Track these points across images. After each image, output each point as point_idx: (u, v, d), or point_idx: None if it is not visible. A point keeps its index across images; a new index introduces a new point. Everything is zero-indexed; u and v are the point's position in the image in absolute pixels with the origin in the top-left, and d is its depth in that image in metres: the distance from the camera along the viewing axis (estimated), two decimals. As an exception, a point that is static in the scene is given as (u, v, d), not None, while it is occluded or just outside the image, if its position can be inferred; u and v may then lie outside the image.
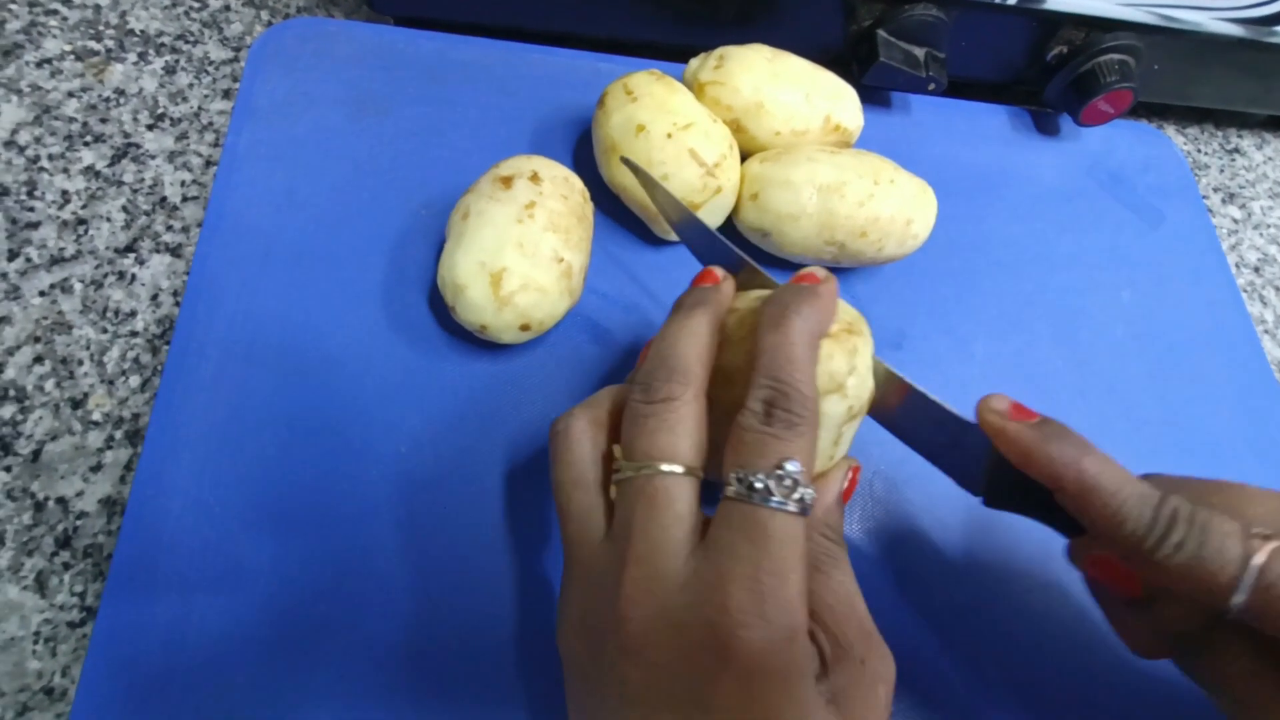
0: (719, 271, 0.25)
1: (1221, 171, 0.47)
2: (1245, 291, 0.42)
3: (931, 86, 0.37)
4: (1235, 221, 0.45)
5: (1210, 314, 0.38)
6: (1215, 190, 0.46)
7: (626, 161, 0.27)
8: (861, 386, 0.23)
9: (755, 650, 0.17)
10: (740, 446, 0.19)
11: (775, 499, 0.18)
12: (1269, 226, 0.45)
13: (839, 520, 0.23)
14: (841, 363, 0.22)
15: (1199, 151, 0.47)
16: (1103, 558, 0.21)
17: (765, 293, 0.24)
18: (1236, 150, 0.48)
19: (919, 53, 0.36)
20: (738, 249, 0.26)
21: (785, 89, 0.32)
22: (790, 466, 0.19)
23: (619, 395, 0.23)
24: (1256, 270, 0.43)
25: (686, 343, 0.21)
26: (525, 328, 0.28)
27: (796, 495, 0.18)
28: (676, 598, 0.18)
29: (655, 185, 0.28)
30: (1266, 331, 0.41)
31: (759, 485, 0.18)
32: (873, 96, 0.40)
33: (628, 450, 0.20)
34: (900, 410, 0.24)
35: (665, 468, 0.19)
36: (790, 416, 0.19)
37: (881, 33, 0.36)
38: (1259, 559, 0.18)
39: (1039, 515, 0.22)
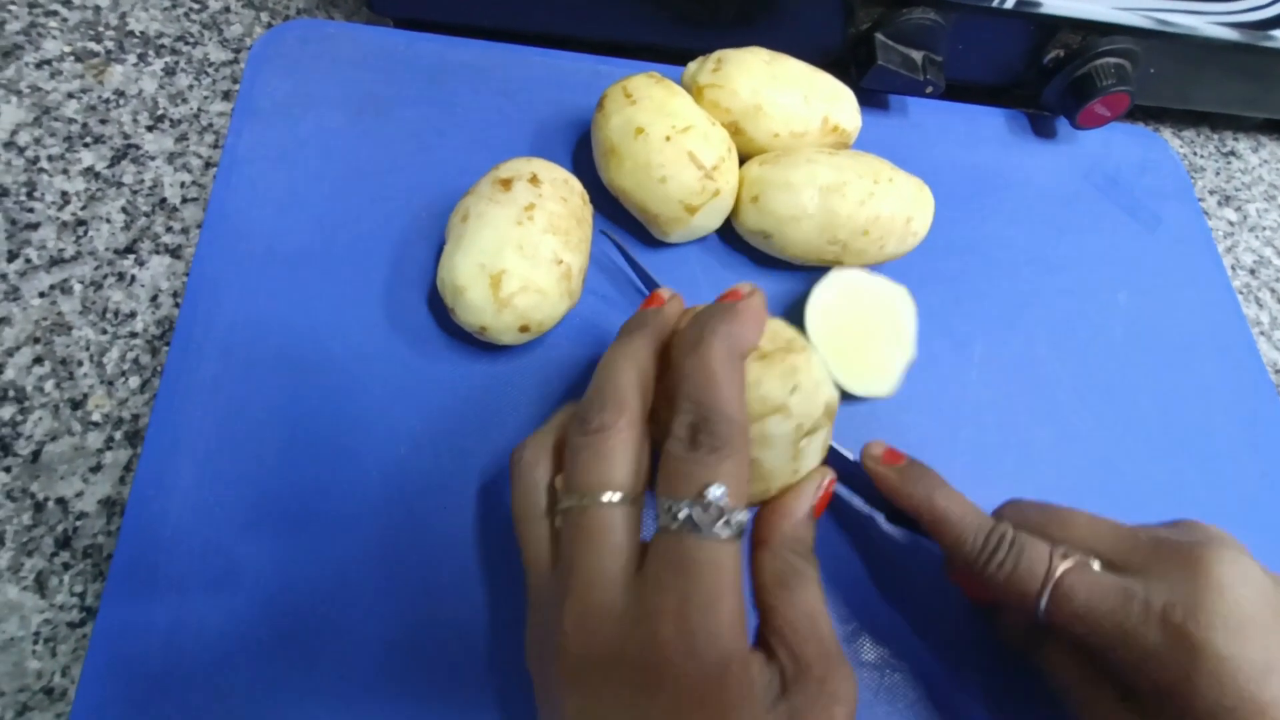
0: (665, 293, 0.25)
1: (1217, 174, 0.47)
2: (1241, 293, 0.42)
3: (929, 89, 0.37)
4: (1231, 224, 0.45)
5: (1206, 316, 0.38)
6: (1211, 193, 0.46)
7: (607, 235, 0.27)
8: (810, 402, 0.22)
9: (687, 685, 0.17)
10: (666, 474, 0.20)
11: (702, 528, 0.18)
12: (1264, 229, 0.45)
13: (808, 535, 0.23)
14: (775, 386, 0.22)
15: (1195, 154, 0.47)
16: (962, 573, 0.26)
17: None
18: (1232, 153, 0.48)
19: (917, 56, 0.37)
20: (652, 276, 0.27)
21: (784, 91, 0.32)
22: (714, 493, 0.18)
23: (570, 418, 0.23)
24: (1252, 272, 0.44)
25: (621, 370, 0.21)
26: (525, 329, 0.28)
27: (723, 520, 0.18)
28: (612, 630, 0.18)
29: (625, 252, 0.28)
30: (1262, 333, 0.41)
31: (683, 515, 0.18)
32: (870, 99, 0.40)
33: (567, 481, 0.21)
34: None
35: (604, 498, 0.20)
36: (713, 440, 0.19)
37: (880, 36, 0.36)
38: (1056, 574, 0.22)
39: (924, 533, 0.26)
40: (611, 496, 0.20)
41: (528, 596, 0.22)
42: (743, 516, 0.19)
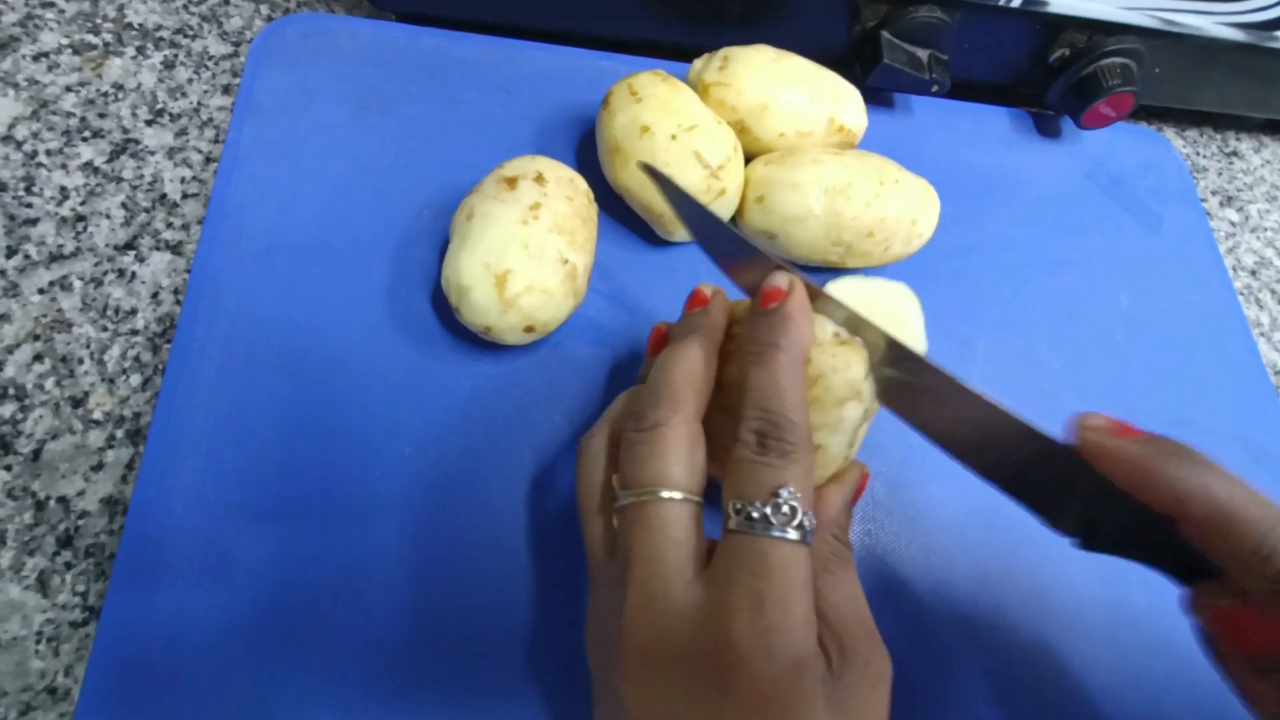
0: (707, 291, 0.25)
1: (1220, 175, 0.47)
2: (1242, 294, 0.42)
3: (935, 88, 0.37)
4: (1233, 225, 0.45)
5: (1208, 317, 0.39)
6: (1213, 193, 0.46)
7: (645, 166, 0.26)
8: (874, 385, 0.23)
9: (761, 683, 0.17)
10: (736, 477, 0.20)
11: (774, 528, 0.18)
12: (1266, 230, 0.45)
13: (847, 522, 0.23)
14: (859, 369, 0.22)
15: (1198, 155, 0.47)
16: (1234, 611, 0.18)
17: None
18: (1235, 153, 0.48)
19: (922, 54, 0.36)
20: (757, 246, 0.24)
21: (790, 90, 0.32)
22: (786, 494, 0.19)
23: (624, 411, 0.23)
24: (1253, 273, 0.44)
25: (676, 368, 0.22)
26: (530, 329, 0.28)
27: (796, 522, 0.19)
28: (678, 626, 0.18)
29: (671, 185, 0.25)
30: (1262, 334, 0.41)
31: (756, 515, 0.19)
32: (875, 97, 0.40)
33: (623, 478, 0.21)
34: (971, 430, 0.21)
35: (665, 494, 0.20)
36: (783, 445, 0.19)
37: (885, 34, 0.36)
38: None
39: (1149, 558, 0.19)
40: (672, 493, 0.20)
41: (589, 586, 0.22)
42: (813, 520, 0.19)
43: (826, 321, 0.23)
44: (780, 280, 0.22)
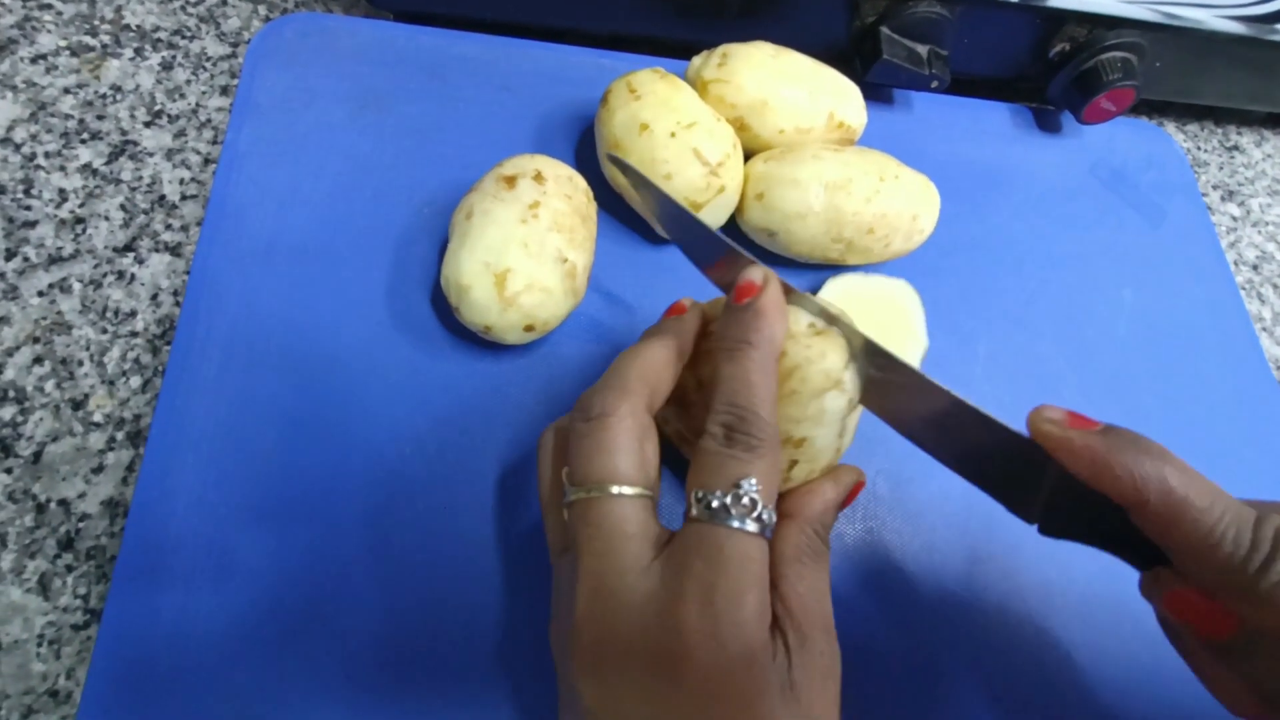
0: (687, 302, 0.25)
1: (1221, 169, 0.47)
2: (1244, 289, 0.42)
3: (934, 84, 0.37)
4: (1234, 219, 0.45)
5: (1210, 311, 0.38)
6: (1215, 188, 0.46)
7: (614, 159, 0.26)
8: (858, 376, 0.23)
9: (711, 673, 0.17)
10: (700, 467, 0.19)
11: (733, 519, 0.18)
12: (1267, 224, 0.45)
13: (831, 521, 0.23)
14: (836, 359, 0.22)
15: (1199, 149, 0.47)
16: (1186, 594, 0.18)
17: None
18: (1236, 147, 0.48)
19: (922, 50, 0.36)
20: (731, 242, 0.24)
21: (789, 86, 0.32)
22: (747, 485, 0.18)
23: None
24: (1255, 268, 0.44)
25: (630, 361, 0.21)
26: (529, 328, 0.27)
27: (755, 514, 0.18)
28: (629, 618, 0.18)
29: (645, 183, 0.25)
30: (1264, 329, 0.41)
31: (716, 504, 0.18)
32: (875, 93, 0.39)
33: (570, 473, 0.20)
34: (938, 424, 0.22)
35: (614, 490, 0.19)
36: (749, 440, 0.19)
37: (885, 29, 0.36)
38: None
39: (1106, 544, 0.20)
40: (620, 489, 0.19)
41: (553, 575, 0.22)
42: (772, 515, 0.19)
43: (801, 313, 0.23)
44: (754, 275, 0.22)
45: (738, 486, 0.18)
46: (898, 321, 0.32)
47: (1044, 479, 0.20)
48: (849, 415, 0.23)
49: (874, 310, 0.32)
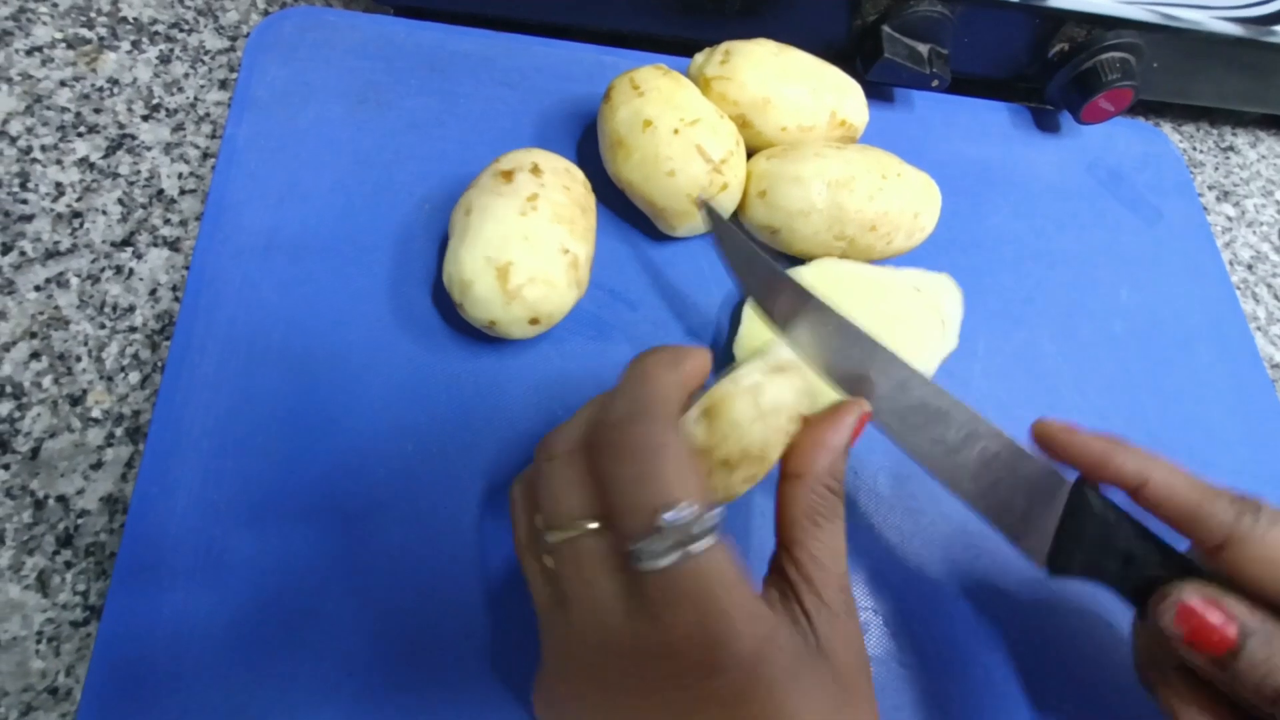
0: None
1: (1216, 169, 0.47)
2: (1239, 288, 0.43)
3: (935, 83, 0.37)
4: (1229, 219, 0.45)
5: (1206, 311, 0.39)
6: (1210, 188, 0.46)
7: (703, 202, 0.27)
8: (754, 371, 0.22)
9: (731, 688, 0.17)
10: (615, 512, 0.18)
11: (673, 555, 0.17)
12: (1262, 224, 0.46)
13: (842, 468, 0.22)
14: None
15: (1194, 149, 0.48)
16: (1190, 607, 0.20)
17: (753, 380, 0.22)
18: (1231, 148, 0.48)
19: (923, 49, 0.36)
20: (810, 291, 0.24)
21: (792, 84, 0.32)
22: (670, 518, 0.17)
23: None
24: (1250, 267, 0.44)
25: (611, 402, 0.20)
26: (534, 321, 0.27)
27: (690, 535, 0.17)
28: (630, 665, 0.18)
29: (726, 226, 0.26)
30: (1259, 328, 0.42)
31: (653, 550, 0.17)
32: (875, 92, 0.40)
33: (543, 517, 0.20)
34: (956, 451, 0.22)
35: (589, 525, 0.19)
36: (623, 453, 0.18)
37: (886, 28, 0.36)
38: None
39: (1109, 579, 0.21)
40: (589, 523, 0.19)
41: (540, 634, 0.21)
42: (713, 515, 0.18)
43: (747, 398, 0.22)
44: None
45: (657, 526, 0.17)
46: (927, 317, 0.31)
47: (1053, 512, 0.21)
48: (767, 397, 0.22)
49: (904, 303, 0.31)
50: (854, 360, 0.24)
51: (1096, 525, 0.21)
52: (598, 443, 0.19)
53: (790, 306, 0.24)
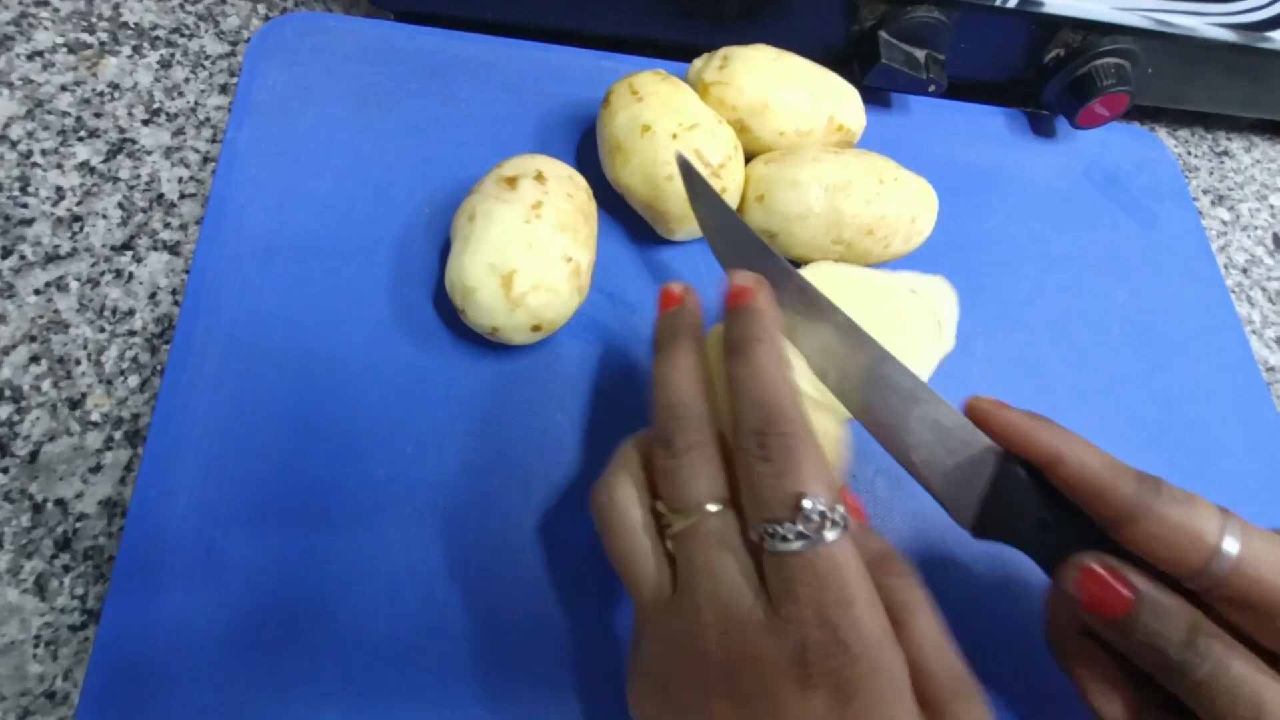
0: (676, 288, 0.25)
1: (1211, 174, 0.47)
2: (1234, 292, 0.43)
3: (932, 88, 0.37)
4: (1224, 223, 0.46)
5: (1201, 314, 0.39)
6: (1205, 192, 0.47)
7: (681, 157, 0.27)
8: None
9: (844, 674, 0.18)
10: (754, 494, 0.20)
11: (810, 540, 0.18)
12: (1256, 228, 0.46)
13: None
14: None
15: (1189, 154, 0.48)
16: (1093, 570, 0.21)
17: None
18: (1225, 153, 0.49)
19: (920, 54, 0.37)
20: (780, 257, 0.25)
21: (790, 89, 0.32)
22: (809, 505, 0.19)
23: (643, 447, 0.23)
24: (1244, 271, 0.44)
25: (681, 384, 0.22)
26: (536, 328, 0.27)
27: (828, 523, 0.19)
28: (756, 638, 0.19)
29: (697, 178, 0.27)
30: (1254, 331, 0.42)
31: (791, 535, 0.19)
32: (872, 97, 0.40)
33: (671, 504, 0.21)
34: (899, 420, 0.23)
35: (712, 509, 0.20)
36: (784, 439, 0.19)
37: (883, 34, 0.36)
38: (1233, 533, 0.20)
39: (1026, 545, 0.23)
40: (714, 506, 0.20)
41: (643, 633, 0.21)
42: (843, 510, 0.19)
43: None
44: (743, 278, 0.23)
45: (799, 509, 0.19)
46: (924, 319, 0.31)
47: (981, 478, 0.23)
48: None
49: (900, 305, 0.31)
50: (822, 331, 0.24)
51: (1018, 493, 0.22)
52: (744, 438, 0.20)
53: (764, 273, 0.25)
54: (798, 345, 0.25)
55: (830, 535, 0.18)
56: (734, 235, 0.26)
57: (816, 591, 0.18)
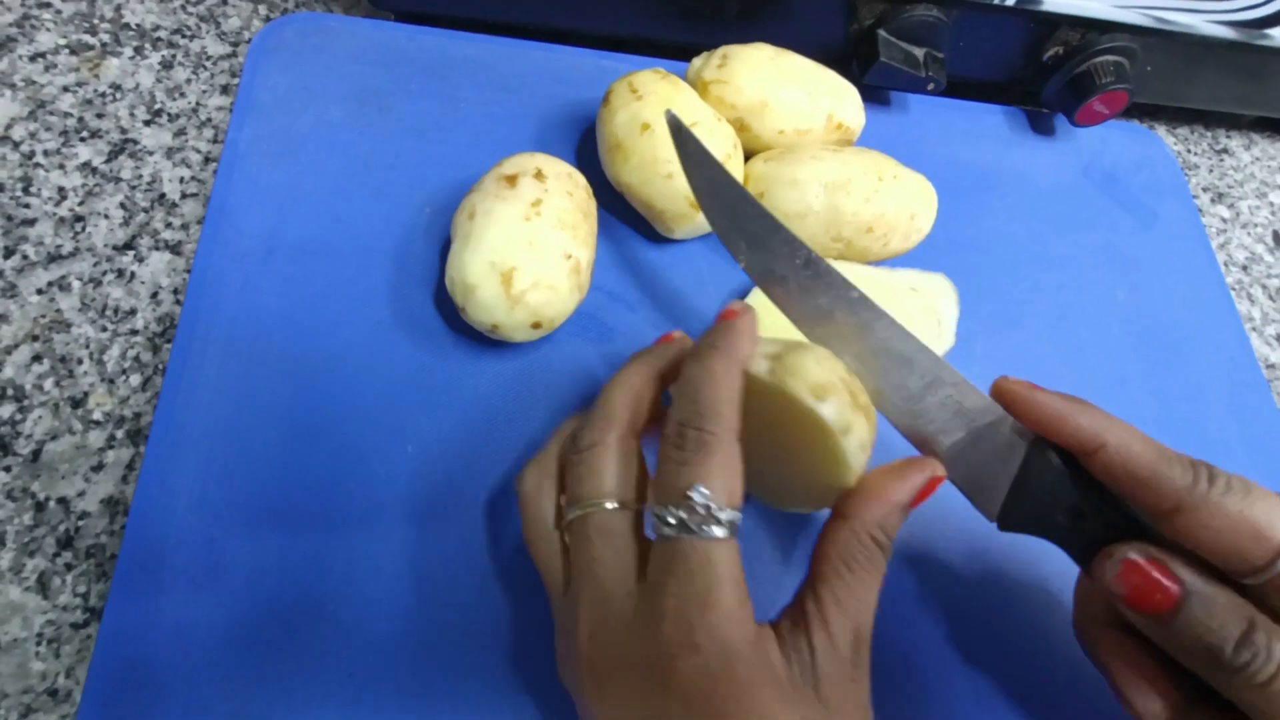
0: (677, 335, 0.25)
1: (1210, 171, 0.47)
2: (1233, 289, 0.43)
3: (931, 86, 0.37)
4: (1224, 221, 0.46)
5: (1201, 311, 0.39)
6: (1204, 190, 0.47)
7: (670, 115, 0.27)
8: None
9: (692, 676, 0.18)
10: (657, 481, 0.20)
11: (691, 530, 0.19)
12: (1256, 225, 0.46)
13: (897, 524, 0.21)
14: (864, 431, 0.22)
15: (1189, 152, 0.48)
16: (1136, 563, 0.20)
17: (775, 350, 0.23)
18: (1225, 151, 0.49)
19: (919, 53, 0.37)
20: (772, 218, 0.24)
21: (789, 88, 0.32)
22: (698, 495, 0.19)
23: (566, 443, 0.23)
24: (1244, 269, 0.44)
25: (613, 392, 0.23)
26: (537, 326, 0.28)
27: (712, 519, 0.19)
28: (623, 636, 0.19)
29: (689, 138, 0.26)
30: (1254, 328, 0.42)
31: (674, 520, 0.19)
32: (872, 95, 0.40)
33: (569, 496, 0.22)
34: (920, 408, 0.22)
35: (607, 505, 0.21)
36: (702, 435, 0.19)
37: (882, 32, 0.36)
38: None
39: (1058, 535, 0.21)
40: (608, 503, 0.21)
41: (554, 619, 0.23)
42: (732, 514, 0.19)
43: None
44: (738, 305, 0.23)
45: (689, 498, 0.19)
46: (923, 317, 0.31)
47: (1009, 466, 0.21)
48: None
49: (900, 303, 0.31)
50: (821, 300, 0.24)
51: (1050, 481, 0.21)
52: (668, 427, 0.20)
53: (757, 235, 0.25)
54: (807, 320, 0.24)
55: (716, 532, 0.19)
56: (725, 193, 0.26)
57: (681, 586, 0.18)
